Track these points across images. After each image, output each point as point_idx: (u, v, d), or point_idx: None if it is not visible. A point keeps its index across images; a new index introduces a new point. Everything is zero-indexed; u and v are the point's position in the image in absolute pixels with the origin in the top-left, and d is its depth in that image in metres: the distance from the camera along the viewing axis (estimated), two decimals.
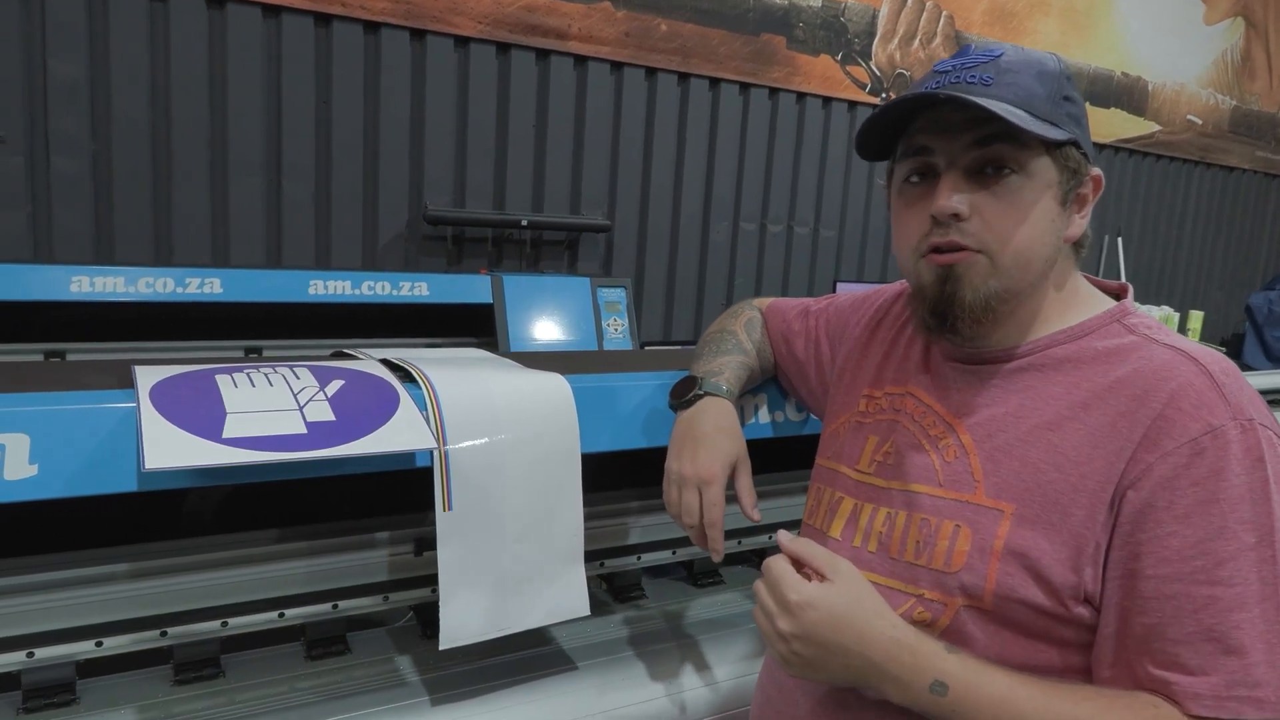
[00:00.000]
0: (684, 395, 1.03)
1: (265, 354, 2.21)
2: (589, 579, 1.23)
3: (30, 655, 0.90)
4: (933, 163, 0.80)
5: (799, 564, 0.78)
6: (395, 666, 1.04)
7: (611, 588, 1.26)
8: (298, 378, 0.92)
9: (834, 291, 1.25)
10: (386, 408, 0.89)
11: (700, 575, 1.34)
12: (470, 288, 2.44)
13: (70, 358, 2.03)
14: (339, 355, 1.15)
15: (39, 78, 2.55)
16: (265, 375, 0.92)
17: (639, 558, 1.23)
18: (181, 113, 2.73)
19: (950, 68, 0.80)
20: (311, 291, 2.20)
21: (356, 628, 1.09)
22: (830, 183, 4.04)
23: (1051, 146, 0.78)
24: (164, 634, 0.95)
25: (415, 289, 2.34)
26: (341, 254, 3.02)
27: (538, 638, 1.11)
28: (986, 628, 0.77)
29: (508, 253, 3.31)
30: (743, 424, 1.16)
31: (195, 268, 2.10)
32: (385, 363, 1.03)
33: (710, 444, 0.96)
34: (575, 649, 1.11)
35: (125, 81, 2.65)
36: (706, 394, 1.02)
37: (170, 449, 0.75)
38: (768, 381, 1.21)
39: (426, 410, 0.92)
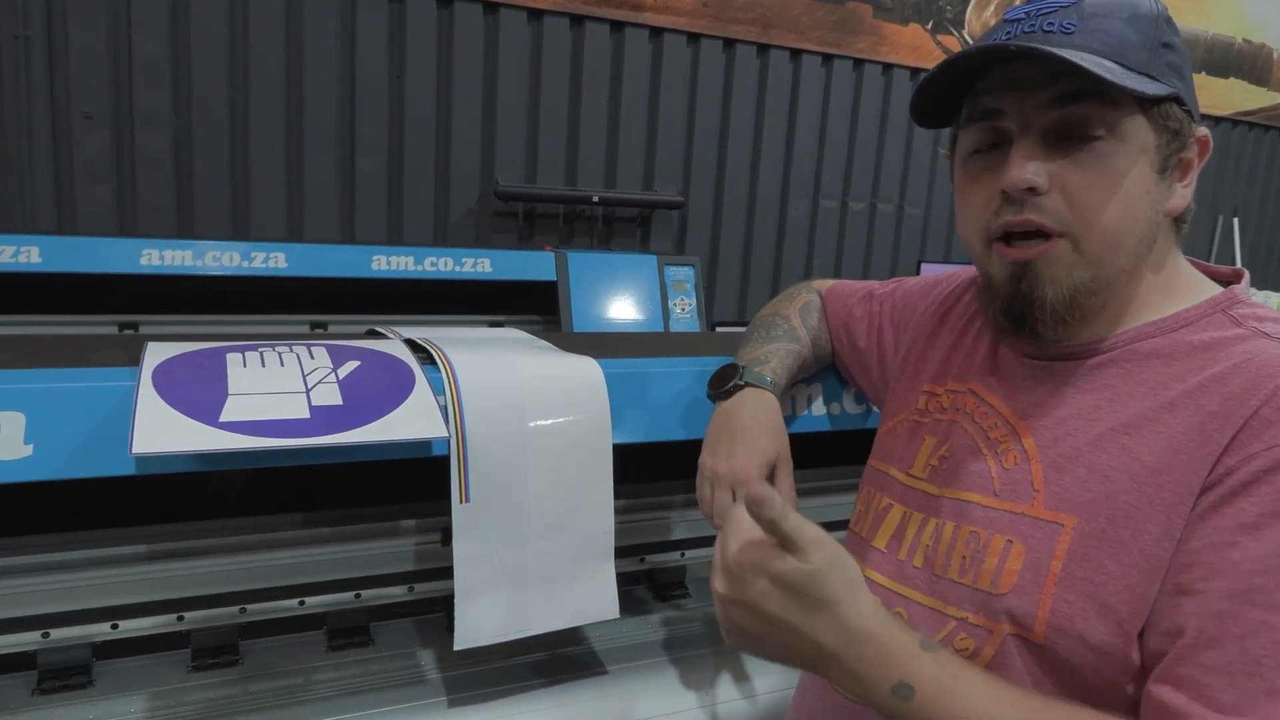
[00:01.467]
0: (722, 385, 0.94)
1: (330, 329, 2.20)
2: (628, 574, 1.18)
3: (46, 636, 0.88)
4: (1004, 128, 0.68)
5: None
6: (416, 661, 0.99)
7: (652, 585, 1.19)
8: (312, 357, 0.87)
9: (918, 273, 1.13)
10: (399, 392, 0.83)
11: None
12: (534, 265, 2.39)
13: (142, 330, 2.07)
14: (371, 334, 1.11)
15: (124, 55, 2.60)
16: (279, 354, 0.87)
17: (683, 554, 1.16)
18: (259, 89, 2.75)
19: (1024, 14, 0.68)
20: (375, 267, 2.19)
21: (381, 618, 1.05)
22: (917, 158, 3.84)
23: (1147, 104, 0.65)
24: (181, 618, 0.92)
25: (478, 265, 2.30)
26: (413, 230, 3.02)
27: (568, 637, 1.05)
28: (1036, 664, 0.66)
29: (578, 229, 3.26)
30: (794, 416, 1.07)
31: (261, 242, 2.10)
32: (410, 343, 0.97)
33: (748, 440, 0.87)
34: (607, 651, 1.04)
35: (205, 58, 2.68)
36: (747, 384, 0.92)
37: (161, 433, 0.70)
38: (825, 370, 1.11)
39: (444, 394, 0.86)
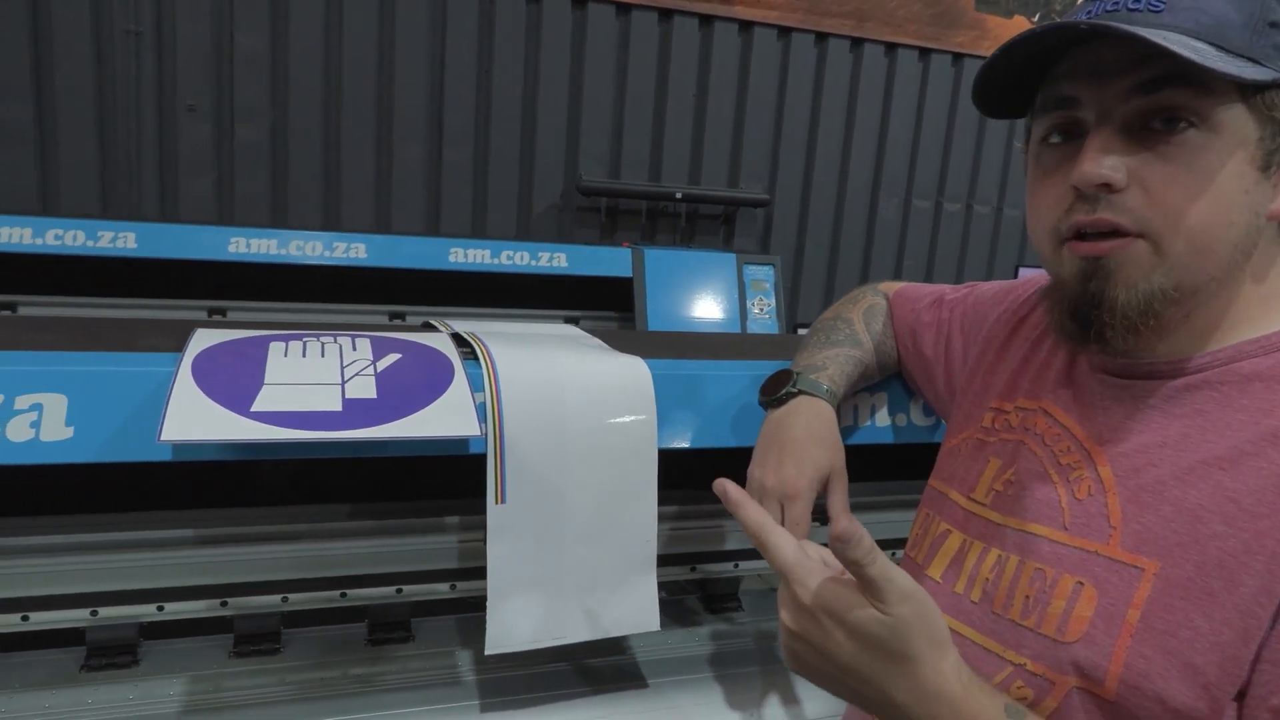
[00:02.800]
0: (774, 392, 0.88)
1: (408, 320, 2.23)
2: (678, 583, 1.16)
3: (94, 614, 0.89)
4: (1080, 118, 0.61)
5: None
6: (454, 661, 0.97)
7: (704, 596, 1.14)
8: (354, 349, 0.86)
9: (1016, 278, 1.05)
10: (436, 386, 0.81)
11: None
12: (610, 260, 2.37)
13: (230, 315, 2.13)
14: (426, 326, 1.10)
15: (227, 50, 2.69)
16: (321, 345, 0.86)
17: (736, 565, 1.10)
18: (351, 82, 2.81)
19: None
20: (452, 259, 2.20)
21: (423, 614, 1.03)
22: (1018, 158, 3.64)
23: (1248, 91, 0.57)
24: (224, 604, 0.93)
25: (554, 260, 2.29)
26: (496, 223, 3.04)
27: (609, 646, 1.01)
28: None
29: (661, 226, 3.23)
30: (855, 426, 1.01)
31: (344, 232, 2.14)
32: (456, 336, 0.95)
33: (799, 452, 0.82)
34: (650, 663, 1.00)
35: (301, 52, 2.75)
36: (801, 392, 0.87)
37: (191, 421, 0.70)
38: (893, 378, 1.04)
39: (484, 390, 0.83)
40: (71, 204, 2.64)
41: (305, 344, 0.85)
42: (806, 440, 0.83)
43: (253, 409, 0.73)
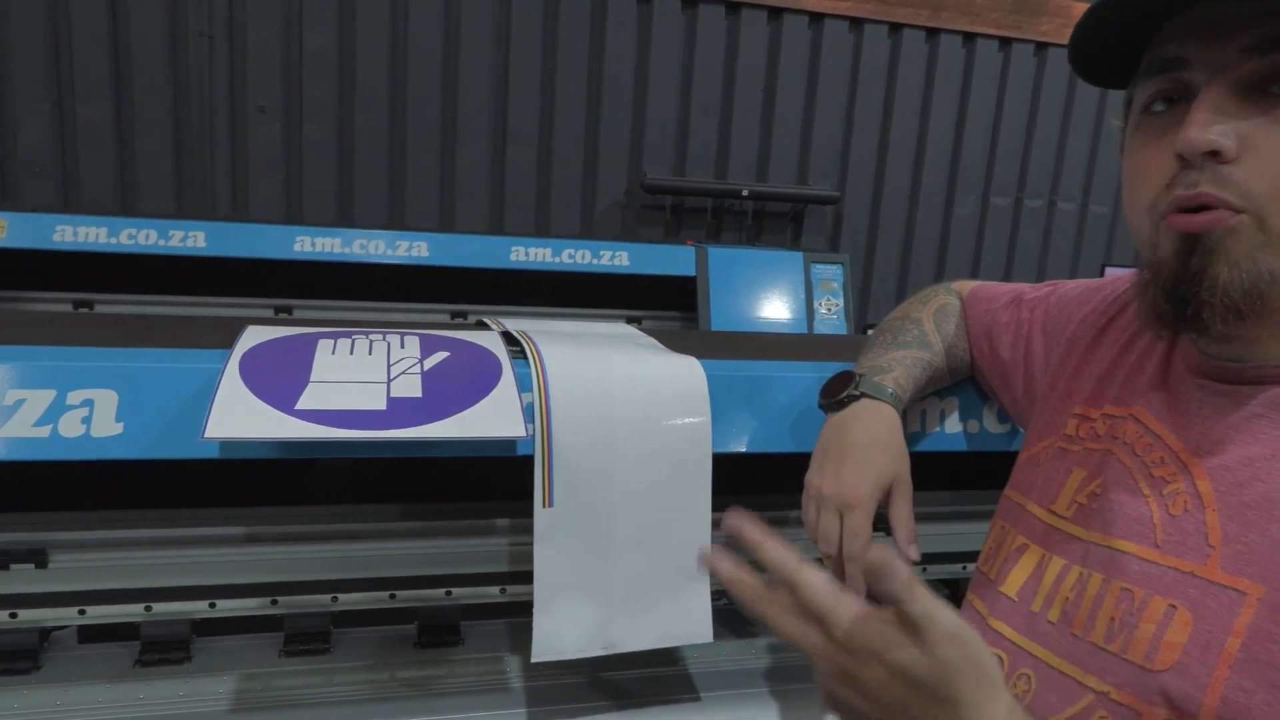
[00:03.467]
0: (836, 394, 0.84)
1: (469, 319, 2.24)
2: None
3: (148, 609, 0.90)
4: (1188, 80, 0.56)
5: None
6: (503, 667, 0.96)
7: None
8: (402, 347, 0.86)
9: (1101, 276, 0.99)
10: (483, 386, 0.80)
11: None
12: (673, 259, 2.34)
13: (295, 314, 2.17)
14: (479, 325, 1.09)
15: (296, 50, 2.75)
16: (370, 342, 0.86)
17: None
18: (416, 80, 2.85)
19: None
20: (513, 258, 2.20)
21: (473, 617, 1.03)
22: (1107, 151, 3.52)
23: None
24: (275, 602, 0.94)
25: (616, 258, 2.28)
26: (560, 222, 3.05)
27: (661, 657, 0.99)
28: None
29: (728, 224, 3.19)
30: (923, 432, 0.96)
31: (406, 231, 2.16)
32: (506, 335, 0.94)
33: (860, 458, 0.78)
34: (703, 675, 0.97)
35: (368, 51, 2.80)
36: (864, 395, 0.83)
37: (236, 418, 0.70)
38: (966, 382, 0.99)
39: (532, 390, 0.82)
40: (149, 204, 2.73)
41: (354, 341, 0.85)
42: (868, 445, 0.79)
43: (297, 407, 0.73)
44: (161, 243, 1.98)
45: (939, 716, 0.51)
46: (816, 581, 0.55)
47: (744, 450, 0.91)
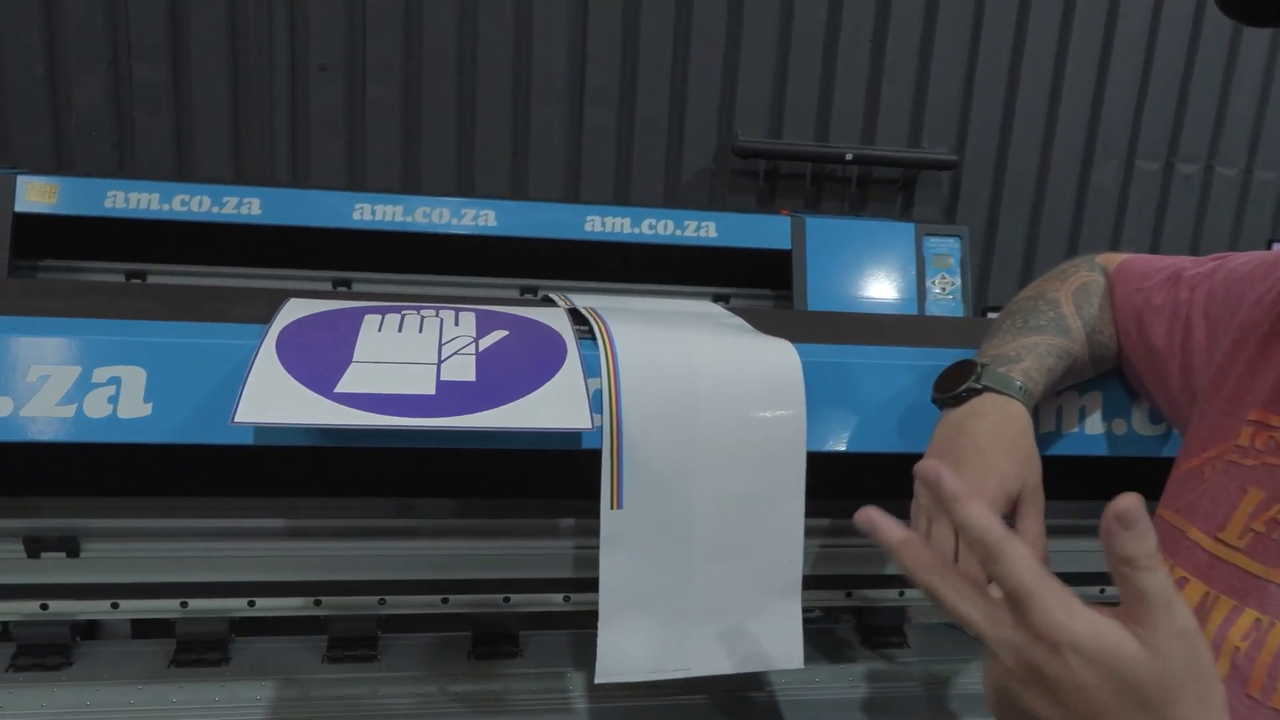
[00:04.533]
0: (953, 388, 0.78)
1: (540, 295, 2.23)
2: (830, 610, 1.09)
3: (184, 605, 0.91)
4: None
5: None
6: (565, 684, 0.94)
7: (860, 627, 1.07)
8: (456, 324, 0.84)
9: (1269, 249, 0.91)
10: (544, 369, 0.77)
11: None
12: (766, 230, 2.28)
13: (355, 288, 2.19)
14: (546, 301, 1.07)
15: (358, 4, 2.77)
16: (421, 318, 0.84)
17: (901, 593, 1.03)
18: (487, 36, 2.84)
19: None
20: (588, 228, 2.18)
21: (533, 627, 1.01)
22: (1277, 108, 3.29)
23: None
24: (318, 603, 0.94)
25: (701, 229, 2.23)
26: (641, 189, 3.02)
27: (744, 683, 0.95)
28: None
29: (828, 192, 3.12)
30: (1056, 433, 0.90)
31: (472, 199, 2.16)
32: (573, 313, 0.91)
33: (981, 463, 0.72)
34: (793, 704, 0.94)
35: (435, 5, 2.80)
36: (987, 389, 0.77)
37: (269, 402, 0.69)
38: (1110, 373, 0.92)
39: (600, 375, 0.79)
40: (207, 169, 2.80)
41: (403, 317, 0.84)
42: (991, 448, 0.73)
43: (336, 390, 0.71)
44: (215, 210, 2.02)
45: None
46: (1023, 556, 0.49)
47: (843, 449, 0.86)
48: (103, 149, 2.71)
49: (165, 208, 2.00)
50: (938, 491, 0.52)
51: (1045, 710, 0.48)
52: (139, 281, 2.07)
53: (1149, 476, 0.87)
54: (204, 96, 2.74)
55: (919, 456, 0.79)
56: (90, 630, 1.06)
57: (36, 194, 1.99)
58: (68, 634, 0.91)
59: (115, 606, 0.90)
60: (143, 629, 1.07)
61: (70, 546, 0.88)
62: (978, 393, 0.77)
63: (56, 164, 2.69)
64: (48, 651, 0.90)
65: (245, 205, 2.03)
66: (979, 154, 3.17)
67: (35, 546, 0.87)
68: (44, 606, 0.89)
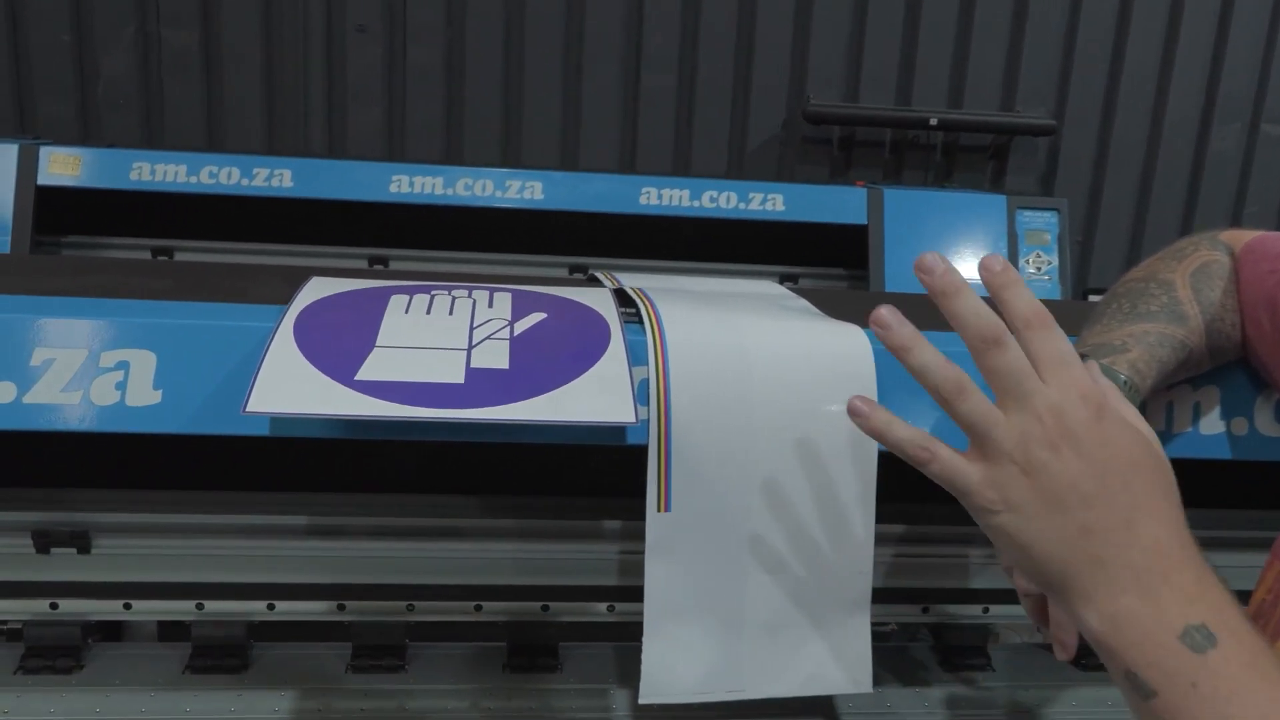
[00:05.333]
0: None
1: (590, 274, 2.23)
2: (905, 626, 1.08)
3: (200, 607, 0.92)
4: None
5: None
6: (608, 702, 0.94)
7: (938, 646, 1.04)
8: (490, 305, 0.83)
9: None
10: (585, 356, 0.77)
11: (1085, 646, 1.05)
12: (840, 203, 2.26)
13: (392, 265, 2.21)
14: (591, 280, 1.06)
15: None
16: (452, 299, 0.84)
17: (986, 609, 1.01)
18: None
19: None
20: (643, 201, 2.17)
21: (573, 638, 1.00)
22: None
23: None
24: (342, 607, 0.94)
25: (769, 202, 2.21)
26: (703, 159, 3.01)
27: (807, 706, 0.93)
28: None
29: (909, 161, 3.08)
30: (1167, 432, 0.87)
31: (519, 169, 2.16)
32: (619, 293, 0.90)
33: None
34: None
35: None
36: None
37: (284, 390, 0.69)
38: (1232, 366, 0.88)
39: (648, 363, 0.78)
40: (238, 139, 2.85)
41: (432, 298, 0.84)
42: None
43: (357, 377, 0.71)
44: (245, 182, 2.05)
45: (1152, 492, 0.57)
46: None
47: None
48: (130, 119, 2.77)
49: (193, 180, 2.04)
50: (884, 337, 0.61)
51: (1037, 498, 0.57)
52: (165, 259, 2.10)
53: (1277, 481, 0.83)
54: (235, 62, 2.78)
55: None
56: (113, 631, 1.09)
57: (60, 166, 2.04)
58: (78, 635, 0.92)
59: (128, 607, 0.91)
60: (162, 631, 1.09)
61: (81, 542, 0.89)
62: None
63: (83, 135, 2.76)
64: (57, 653, 0.91)
65: (276, 177, 2.05)
66: (1080, 117, 3.10)
67: (45, 541, 0.89)
68: (54, 606, 0.90)
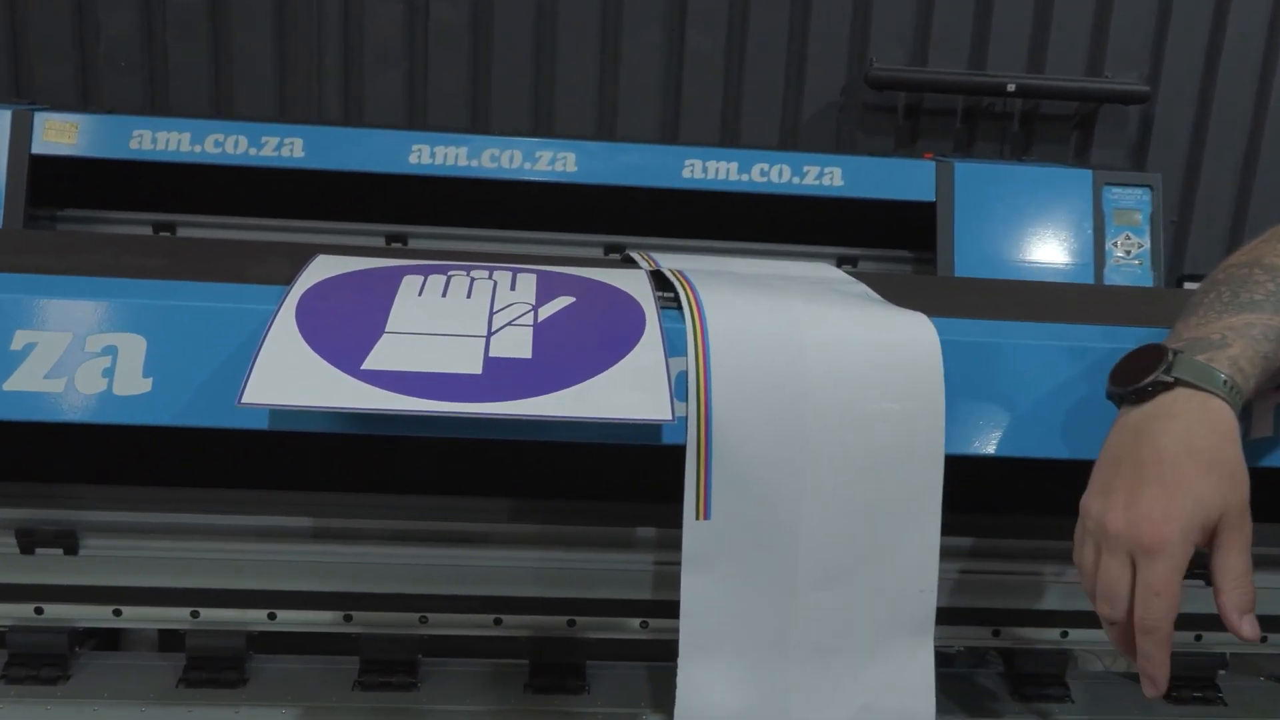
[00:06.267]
0: (1136, 380, 0.74)
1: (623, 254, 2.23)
2: (972, 650, 1.08)
3: (195, 615, 0.94)
4: None
5: None
6: None
7: (1009, 673, 1.03)
8: (513, 288, 0.84)
9: None
10: (617, 346, 0.77)
11: (1181, 680, 1.03)
12: (905, 178, 2.23)
13: (411, 244, 2.22)
14: (626, 260, 1.06)
15: None
16: (470, 280, 0.85)
17: (1065, 633, 1.01)
18: None
19: None
20: (686, 174, 2.15)
21: (602, 657, 1.01)
22: None
23: None
24: (349, 618, 0.95)
25: (826, 177, 2.18)
26: (754, 129, 3.00)
27: None
28: None
29: (983, 131, 3.05)
30: (1272, 439, 0.85)
31: (549, 139, 2.15)
32: (657, 275, 0.91)
33: (1170, 479, 0.68)
34: None
35: None
36: (1180, 383, 0.73)
37: (284, 380, 0.69)
38: None
39: (687, 354, 0.78)
40: (247, 106, 2.87)
41: (449, 279, 0.84)
42: (1184, 460, 0.70)
43: (364, 366, 0.72)
44: (253, 152, 2.05)
45: None
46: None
47: (990, 452, 0.85)
48: (132, 82, 2.80)
49: (197, 149, 2.05)
50: None
51: None
52: (166, 234, 2.12)
53: None
54: (244, 20, 2.80)
55: (1087, 465, 0.78)
56: (109, 640, 1.10)
57: (56, 133, 2.06)
58: (65, 643, 0.93)
59: (118, 613, 0.93)
60: (159, 641, 1.10)
61: (68, 543, 0.90)
62: (1168, 386, 0.73)
63: (82, 99, 2.79)
64: (42, 662, 0.92)
65: (287, 146, 2.06)
66: (1177, 83, 3.05)
67: (29, 541, 0.90)
68: (39, 611, 0.91)
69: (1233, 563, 0.70)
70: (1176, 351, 0.75)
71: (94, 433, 0.77)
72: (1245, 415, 0.75)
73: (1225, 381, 0.73)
